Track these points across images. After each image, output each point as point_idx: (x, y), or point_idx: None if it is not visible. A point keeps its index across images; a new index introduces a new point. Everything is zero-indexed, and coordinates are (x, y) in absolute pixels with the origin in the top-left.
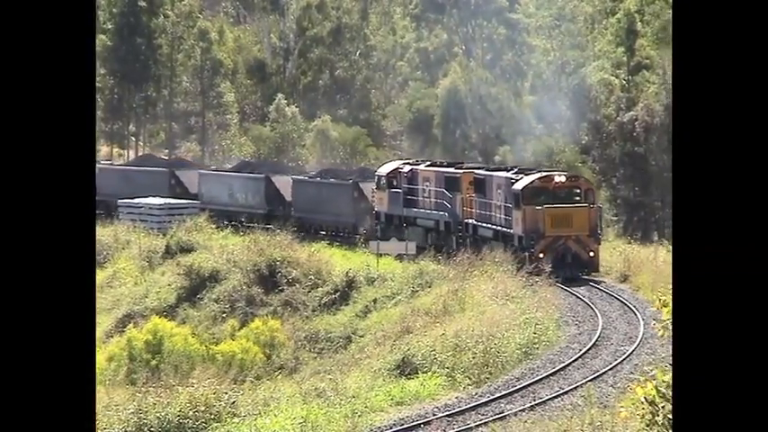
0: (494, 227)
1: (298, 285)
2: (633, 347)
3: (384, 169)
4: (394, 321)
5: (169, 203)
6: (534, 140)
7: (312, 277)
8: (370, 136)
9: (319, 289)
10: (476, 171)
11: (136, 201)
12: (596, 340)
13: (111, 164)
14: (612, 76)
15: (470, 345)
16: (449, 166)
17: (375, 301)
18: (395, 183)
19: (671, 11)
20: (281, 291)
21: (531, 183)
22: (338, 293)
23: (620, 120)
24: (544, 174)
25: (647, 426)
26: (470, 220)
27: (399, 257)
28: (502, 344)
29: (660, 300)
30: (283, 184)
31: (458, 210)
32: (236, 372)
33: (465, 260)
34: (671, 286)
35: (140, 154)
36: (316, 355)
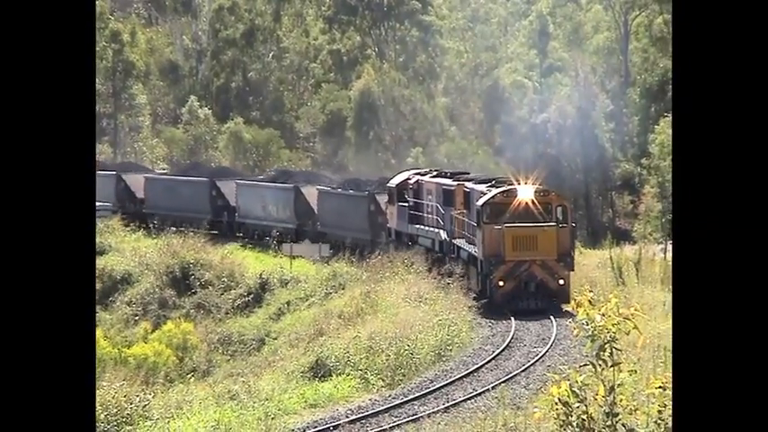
0: (469, 248)
1: (211, 288)
2: (546, 348)
3: (394, 180)
4: (307, 323)
5: None
6: (447, 142)
7: (225, 279)
8: (284, 138)
9: (232, 291)
10: (466, 183)
11: None
12: (509, 342)
13: (164, 173)
14: (525, 78)
15: (384, 347)
16: (452, 176)
17: (288, 303)
18: (405, 195)
19: (582, 13)
20: (194, 293)
21: (493, 198)
22: (251, 296)
23: (532, 121)
24: (507, 187)
25: (561, 426)
26: (459, 240)
27: (313, 259)
28: (415, 346)
29: (575, 300)
30: (314, 195)
31: (450, 227)
32: (149, 375)
33: (378, 262)
34: (590, 287)
35: (189, 161)
36: (229, 357)
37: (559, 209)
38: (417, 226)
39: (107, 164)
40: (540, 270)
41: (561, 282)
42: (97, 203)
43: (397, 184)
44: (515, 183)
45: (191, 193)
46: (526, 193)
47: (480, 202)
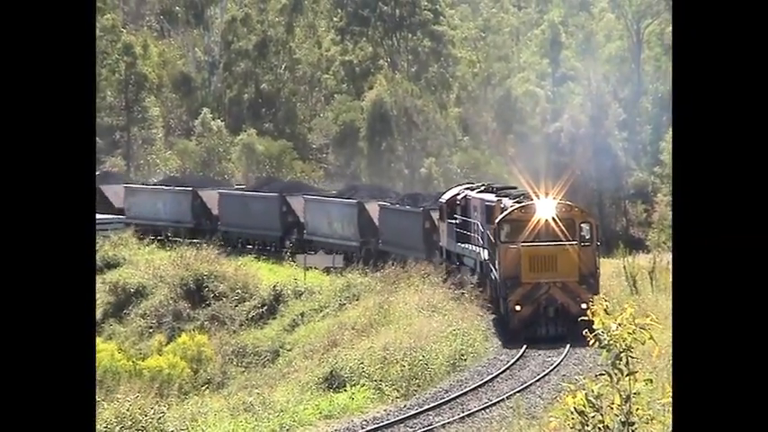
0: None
1: (225, 299)
2: (561, 358)
3: (445, 196)
4: (322, 335)
5: None
6: (460, 152)
7: (239, 291)
8: (296, 149)
9: (246, 303)
10: (504, 199)
11: None
12: (524, 351)
13: (240, 187)
14: (538, 87)
15: (398, 357)
16: (499, 190)
17: (302, 314)
18: (456, 212)
19: (594, 21)
20: (208, 305)
21: (510, 214)
22: (265, 307)
23: (545, 131)
24: (526, 202)
25: None
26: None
27: (327, 270)
28: (430, 356)
29: (590, 309)
30: (377, 211)
31: (488, 244)
32: (164, 387)
33: (392, 273)
34: (604, 296)
35: (263, 175)
36: (243, 369)
37: (584, 225)
38: (464, 245)
39: (182, 179)
40: (560, 293)
41: (584, 306)
42: (110, 216)
43: (446, 200)
44: (536, 196)
45: (262, 210)
46: (546, 207)
47: (498, 218)
